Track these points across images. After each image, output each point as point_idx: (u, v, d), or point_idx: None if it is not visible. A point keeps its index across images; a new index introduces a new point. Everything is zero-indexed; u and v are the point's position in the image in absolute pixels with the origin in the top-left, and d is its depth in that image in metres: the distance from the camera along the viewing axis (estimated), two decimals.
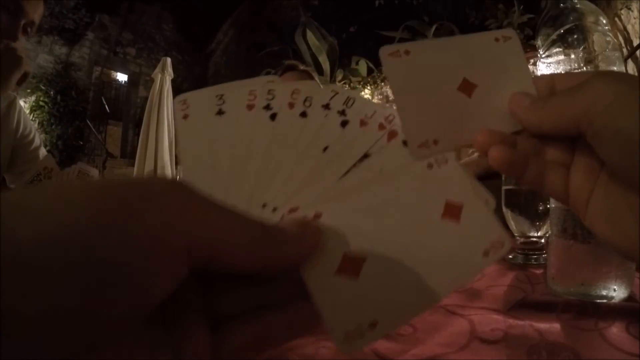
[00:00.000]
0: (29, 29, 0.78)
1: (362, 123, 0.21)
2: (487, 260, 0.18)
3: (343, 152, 0.20)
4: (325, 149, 0.20)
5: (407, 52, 0.21)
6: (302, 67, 1.34)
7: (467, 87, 0.21)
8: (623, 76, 0.19)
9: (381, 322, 0.16)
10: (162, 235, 0.13)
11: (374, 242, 0.18)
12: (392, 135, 0.21)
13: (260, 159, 0.20)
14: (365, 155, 0.20)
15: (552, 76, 0.23)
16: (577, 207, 0.21)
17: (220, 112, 0.20)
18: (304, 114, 0.21)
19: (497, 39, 0.22)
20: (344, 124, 0.21)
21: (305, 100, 0.21)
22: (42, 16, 0.81)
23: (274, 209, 0.19)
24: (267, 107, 0.21)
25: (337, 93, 0.21)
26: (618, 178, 0.19)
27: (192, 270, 0.14)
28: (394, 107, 0.21)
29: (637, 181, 0.17)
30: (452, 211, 0.18)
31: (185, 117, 0.21)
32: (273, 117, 0.21)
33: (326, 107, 0.21)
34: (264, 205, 0.19)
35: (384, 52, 0.21)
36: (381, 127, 0.21)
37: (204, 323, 0.16)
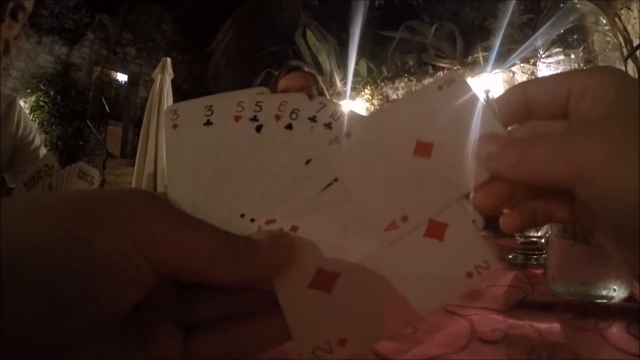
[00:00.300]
0: (19, 15, 0.75)
1: (348, 136, 0.20)
2: (470, 281, 0.17)
3: (325, 166, 0.20)
4: (307, 161, 0.20)
5: (347, 135, 0.20)
6: (306, 68, 1.33)
7: (422, 149, 0.19)
8: (612, 129, 0.16)
9: (351, 340, 0.16)
10: (125, 248, 0.14)
11: (350, 258, 0.17)
12: None
13: (242, 170, 0.20)
14: None
15: (524, 91, 0.19)
16: (585, 227, 0.20)
17: (208, 123, 0.20)
18: (289, 126, 0.21)
19: (440, 87, 0.20)
20: (333, 141, 0.20)
21: (292, 113, 0.21)
22: (32, 4, 0.78)
23: (252, 220, 0.19)
24: (254, 119, 0.21)
25: (324, 105, 0.21)
26: (616, 234, 0.18)
27: (163, 278, 0.15)
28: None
29: (638, 240, 0.15)
30: (436, 230, 0.18)
31: (174, 126, 0.21)
32: (259, 128, 0.20)
33: (312, 119, 0.21)
34: (242, 216, 0.19)
35: (322, 143, 0.20)
36: None
37: (176, 327, 0.17)
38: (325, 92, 1.40)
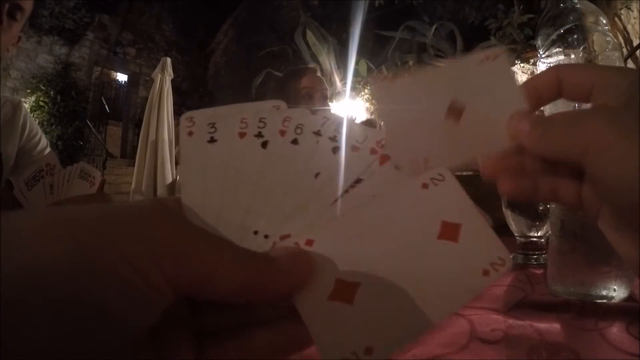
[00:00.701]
0: (17, 14, 0.75)
1: (354, 148, 0.21)
2: (487, 279, 0.17)
3: (335, 178, 0.20)
4: (316, 175, 0.20)
5: (394, 78, 0.21)
6: (318, 73, 1.37)
7: (454, 112, 0.21)
8: (626, 114, 0.17)
9: (377, 348, 0.16)
10: (143, 268, 0.13)
11: (369, 266, 0.17)
12: (384, 159, 0.21)
13: (252, 186, 0.20)
14: (358, 180, 0.20)
15: (558, 73, 0.21)
16: (590, 213, 0.20)
17: (212, 140, 0.20)
18: (295, 141, 0.21)
19: (486, 58, 0.22)
20: (335, 150, 0.21)
21: (296, 128, 0.21)
22: (32, 4, 0.78)
23: (266, 236, 0.19)
24: (259, 135, 0.21)
25: (328, 119, 0.21)
26: (618, 215, 0.19)
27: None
28: (382, 131, 0.21)
29: (637, 223, 0.17)
30: (449, 231, 0.18)
31: (190, 134, 0.21)
32: (264, 144, 0.21)
33: (317, 133, 0.21)
34: (255, 232, 0.19)
35: (373, 78, 0.21)
36: (373, 151, 0.21)
37: (189, 338, 0.16)
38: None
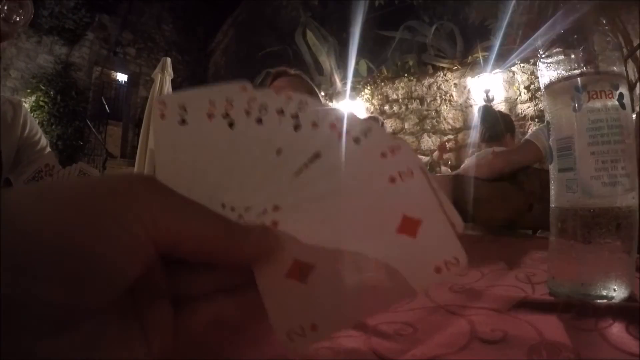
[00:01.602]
0: (13, 16, 0.75)
1: (314, 125, 0.21)
2: (439, 276, 0.18)
3: (296, 153, 0.21)
4: (278, 151, 0.21)
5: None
6: (292, 71, 1.33)
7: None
8: None
9: (321, 326, 0.18)
10: (131, 227, 0.15)
11: (326, 250, 0.19)
12: (341, 134, 0.21)
13: (220, 164, 0.21)
14: (317, 155, 0.21)
15: None
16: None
17: (182, 122, 0.22)
18: (259, 121, 0.22)
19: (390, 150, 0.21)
20: (296, 127, 0.22)
21: (260, 108, 0.22)
22: (29, 3, 0.78)
23: (232, 209, 0.20)
24: (226, 116, 0.22)
25: (290, 98, 0.22)
26: None
27: (158, 255, 0.16)
28: (341, 110, 0.22)
29: None
30: (409, 226, 0.19)
31: (162, 116, 0.22)
32: (231, 125, 0.22)
33: (280, 112, 0.22)
34: (222, 205, 0.20)
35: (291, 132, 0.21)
36: (332, 126, 0.21)
37: (166, 302, 0.18)
38: (316, 89, 1.40)
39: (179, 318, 0.18)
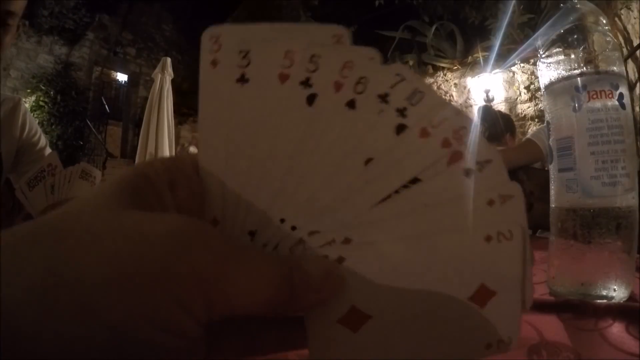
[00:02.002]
0: (8, 20, 0.75)
1: (423, 133, 0.16)
2: (486, 352, 0.16)
3: (389, 171, 0.16)
4: (368, 161, 0.16)
5: None
6: None
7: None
8: None
9: None
10: (190, 304, 0.13)
11: (386, 302, 0.16)
12: (454, 158, 0.16)
13: (287, 160, 0.16)
14: (414, 180, 0.16)
15: None
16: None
17: (242, 79, 0.16)
18: (351, 104, 0.16)
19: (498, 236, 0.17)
20: (400, 128, 0.16)
21: (357, 83, 0.16)
22: (23, 8, 0.78)
23: (294, 228, 0.16)
24: (306, 83, 0.15)
25: (403, 79, 0.16)
26: None
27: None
28: (468, 117, 0.16)
29: None
30: (482, 296, 0.16)
31: (214, 63, 0.16)
32: (311, 99, 0.16)
33: (383, 98, 0.16)
34: (282, 221, 0.16)
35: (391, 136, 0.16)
36: (445, 143, 0.16)
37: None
38: None
39: (212, 341, 0.16)
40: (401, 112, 0.16)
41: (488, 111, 2.01)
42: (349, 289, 0.16)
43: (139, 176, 0.16)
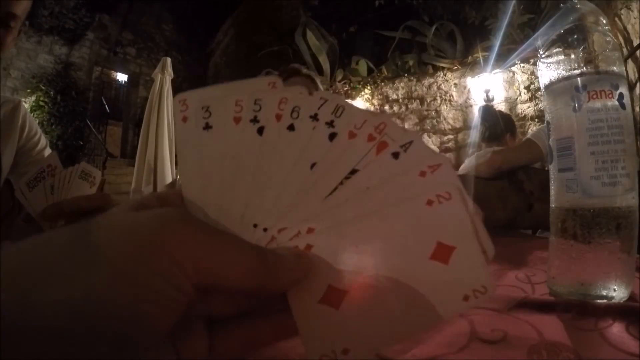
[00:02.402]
0: (11, 22, 0.75)
1: (351, 135, 0.20)
2: (466, 304, 0.18)
3: (330, 169, 0.19)
4: (312, 165, 0.19)
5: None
6: (304, 71, 1.27)
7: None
8: None
9: (353, 350, 0.18)
10: (174, 277, 0.15)
11: (360, 275, 0.18)
12: (381, 147, 0.20)
13: (250, 178, 0.19)
14: (353, 171, 0.19)
15: None
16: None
17: (207, 127, 0.20)
18: (291, 127, 0.20)
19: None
20: (332, 136, 0.20)
21: (292, 111, 0.20)
22: (27, 10, 0.78)
23: (265, 229, 0.19)
24: (254, 120, 0.20)
25: (325, 101, 0.20)
26: None
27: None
28: (385, 114, 0.20)
29: None
30: (442, 253, 0.18)
31: (184, 119, 0.20)
32: (260, 131, 0.20)
33: (314, 117, 0.20)
34: (255, 226, 0.19)
35: (325, 144, 0.20)
36: (370, 138, 0.20)
37: (202, 323, 0.18)
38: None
39: (213, 339, 0.18)
40: (330, 124, 0.20)
41: (489, 111, 2.01)
42: (322, 271, 0.18)
43: (138, 203, 0.19)
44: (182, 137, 0.20)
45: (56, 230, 0.16)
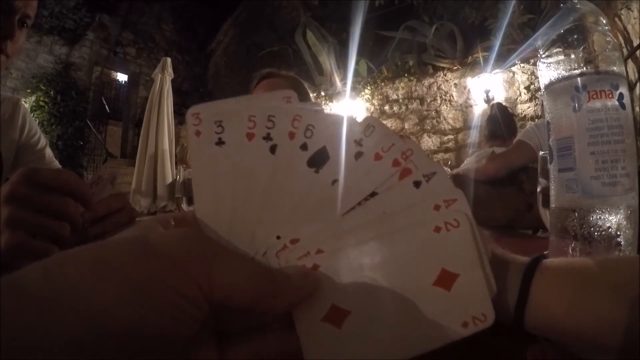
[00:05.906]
0: (26, 23, 0.76)
1: (377, 157, 0.20)
2: (465, 331, 0.18)
3: (352, 187, 0.20)
4: (334, 181, 0.20)
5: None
6: (284, 72, 1.19)
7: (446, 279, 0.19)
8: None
9: None
10: (191, 294, 0.16)
11: (363, 296, 0.19)
12: (404, 173, 0.20)
13: (262, 196, 0.20)
14: (373, 194, 0.19)
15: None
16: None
17: (219, 142, 0.20)
18: (304, 147, 0.20)
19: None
20: (358, 155, 0.20)
21: (306, 130, 0.20)
22: (36, 8, 0.80)
23: (278, 237, 0.19)
24: (267, 137, 0.20)
25: (354, 122, 0.20)
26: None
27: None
28: (413, 141, 0.20)
29: None
30: (445, 280, 0.18)
31: (197, 133, 0.20)
32: (273, 149, 0.20)
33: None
34: (268, 234, 0.19)
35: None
36: (395, 162, 0.20)
37: (213, 339, 0.19)
38: (309, 94, 1.27)
39: (224, 353, 0.19)
40: (358, 142, 0.20)
41: (504, 111, 1.99)
42: (326, 290, 0.18)
43: (156, 222, 0.20)
44: (195, 152, 0.20)
45: (83, 248, 0.16)
